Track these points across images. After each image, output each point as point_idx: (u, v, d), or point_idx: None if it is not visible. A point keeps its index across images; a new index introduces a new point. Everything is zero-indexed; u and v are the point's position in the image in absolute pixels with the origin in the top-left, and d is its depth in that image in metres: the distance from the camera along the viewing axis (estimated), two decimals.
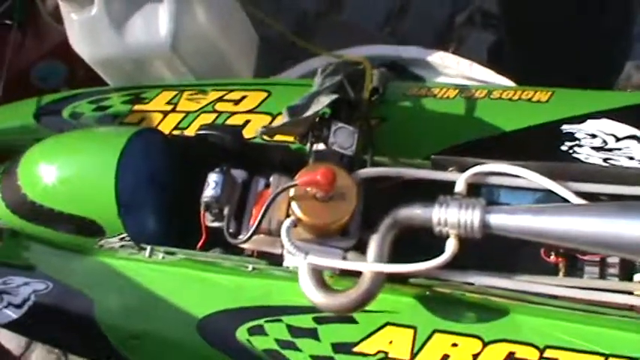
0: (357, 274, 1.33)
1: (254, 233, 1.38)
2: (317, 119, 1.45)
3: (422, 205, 1.33)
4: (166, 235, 1.59)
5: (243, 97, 1.77)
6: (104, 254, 1.66)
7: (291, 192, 1.33)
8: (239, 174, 1.51)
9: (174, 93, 1.87)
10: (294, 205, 1.33)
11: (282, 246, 1.36)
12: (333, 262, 1.33)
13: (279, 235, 1.35)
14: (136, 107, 1.88)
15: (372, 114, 1.56)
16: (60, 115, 1.96)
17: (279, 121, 1.45)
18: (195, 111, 1.79)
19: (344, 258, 1.34)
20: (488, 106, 1.58)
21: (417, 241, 1.35)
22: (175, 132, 1.76)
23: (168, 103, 1.85)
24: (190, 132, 1.74)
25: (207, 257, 1.52)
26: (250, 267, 1.49)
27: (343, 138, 1.43)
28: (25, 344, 2.61)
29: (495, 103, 1.59)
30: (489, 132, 1.53)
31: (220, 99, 1.80)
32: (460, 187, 1.36)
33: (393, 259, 1.34)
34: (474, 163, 1.39)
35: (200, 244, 1.52)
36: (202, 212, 1.49)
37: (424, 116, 1.62)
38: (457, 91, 1.63)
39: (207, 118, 1.76)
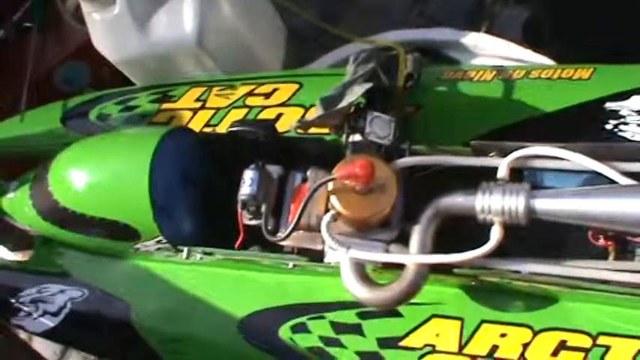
0: (401, 266, 1.30)
1: (294, 230, 1.35)
2: (352, 110, 1.42)
3: (464, 193, 1.30)
4: (202, 235, 1.57)
5: (274, 90, 1.75)
6: (140, 257, 1.65)
7: (330, 186, 1.31)
8: (274, 169, 1.49)
9: (203, 89, 1.86)
10: (333, 199, 1.30)
11: (323, 241, 1.34)
12: (375, 255, 1.31)
13: (319, 231, 1.33)
14: (165, 106, 1.87)
15: (407, 101, 1.53)
16: (87, 117, 1.95)
17: (313, 113, 1.42)
18: (226, 107, 1.77)
19: (386, 251, 1.32)
20: (527, 87, 1.55)
21: (458, 230, 1.32)
22: (206, 129, 1.75)
23: (197, 100, 1.83)
24: (222, 129, 1.72)
25: (246, 256, 1.50)
26: (291, 264, 1.47)
27: (379, 127, 1.40)
28: (61, 352, 2.61)
29: (534, 84, 1.55)
30: (529, 114, 1.51)
31: (250, 93, 1.78)
32: (502, 172, 1.32)
33: (436, 249, 1.31)
34: (516, 147, 1.35)
35: (238, 242, 1.49)
36: (239, 210, 1.46)
37: (461, 101, 1.59)
38: (494, 72, 1.60)
39: (238, 114, 1.74)
